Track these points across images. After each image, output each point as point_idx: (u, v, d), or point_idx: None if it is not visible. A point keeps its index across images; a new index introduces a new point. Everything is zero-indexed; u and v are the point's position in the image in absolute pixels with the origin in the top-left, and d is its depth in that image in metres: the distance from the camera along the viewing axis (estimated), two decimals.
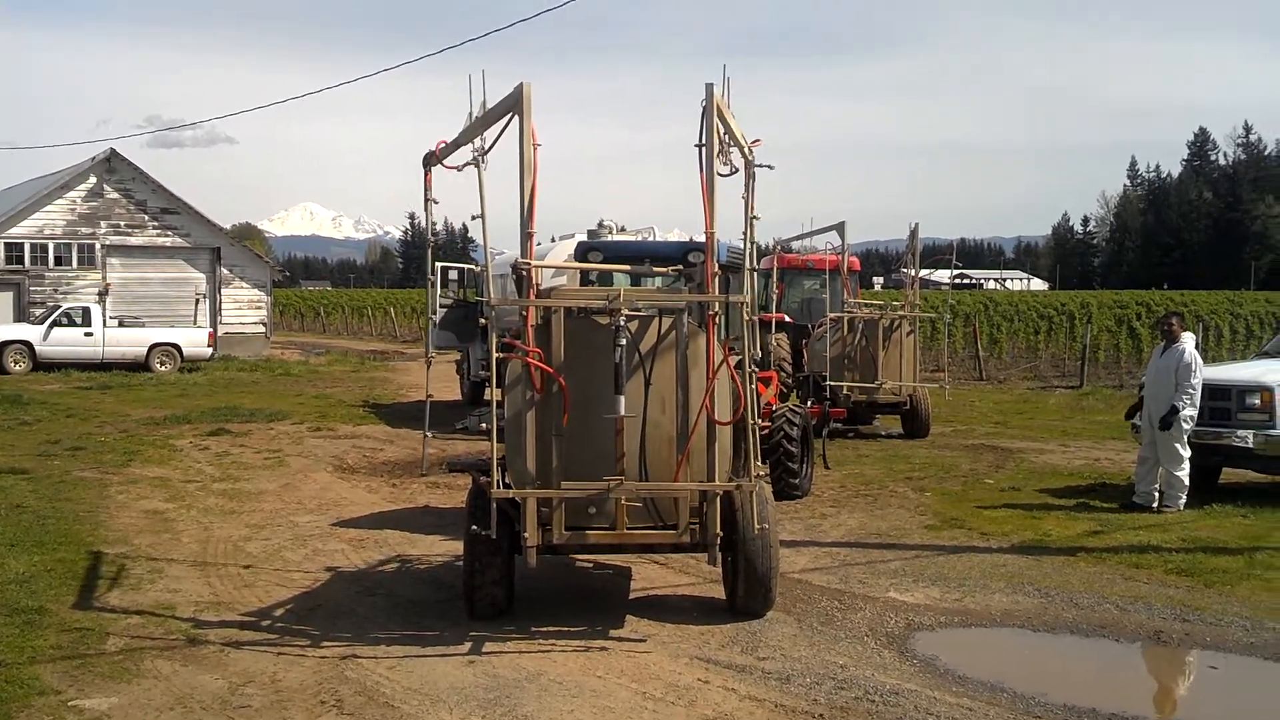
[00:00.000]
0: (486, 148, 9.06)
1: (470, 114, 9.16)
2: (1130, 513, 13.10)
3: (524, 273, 8.68)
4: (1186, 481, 13.12)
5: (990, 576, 10.42)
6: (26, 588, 9.83)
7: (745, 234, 10.51)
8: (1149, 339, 33.19)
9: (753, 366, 9.47)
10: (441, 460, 17.29)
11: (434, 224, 10.21)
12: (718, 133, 8.91)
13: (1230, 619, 9.06)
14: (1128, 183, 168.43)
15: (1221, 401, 13.59)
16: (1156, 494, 13.24)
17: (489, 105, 8.98)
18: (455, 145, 9.33)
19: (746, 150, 10.26)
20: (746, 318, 9.39)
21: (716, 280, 8.83)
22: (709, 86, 8.56)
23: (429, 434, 10.17)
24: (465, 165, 9.28)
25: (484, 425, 9.83)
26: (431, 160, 9.53)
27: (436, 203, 9.67)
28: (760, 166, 10.09)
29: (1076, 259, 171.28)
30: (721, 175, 9.44)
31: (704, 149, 8.64)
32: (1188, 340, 13.27)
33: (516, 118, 8.57)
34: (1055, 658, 8.54)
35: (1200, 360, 13.21)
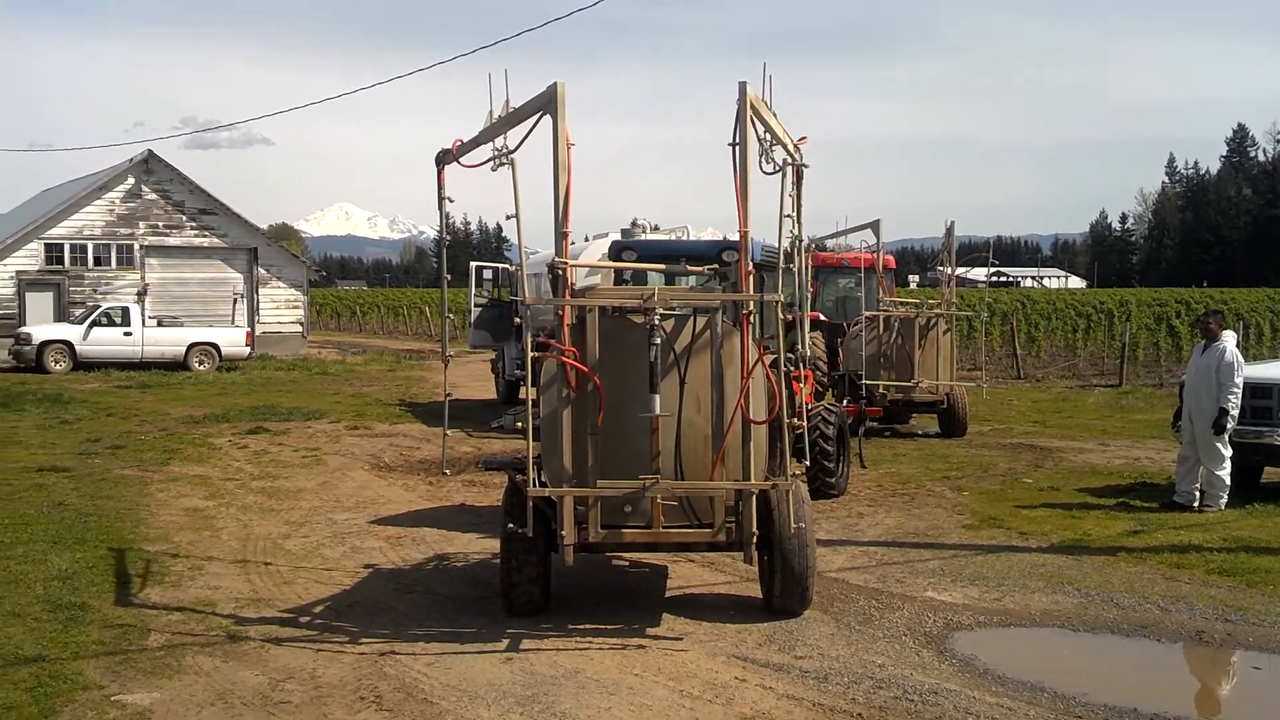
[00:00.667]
0: (511, 147, 9.07)
1: (490, 113, 9.18)
2: (1171, 512, 12.99)
3: (560, 272, 8.70)
4: (1228, 481, 13.00)
5: (1029, 576, 10.35)
6: (69, 584, 9.94)
7: (791, 231, 10.50)
8: (1188, 337, 32.90)
9: (796, 366, 9.45)
10: (477, 459, 17.37)
11: (449, 219, 10.16)
12: (756, 131, 8.89)
13: (1273, 619, 8.97)
14: (1166, 179, 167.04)
15: (1263, 400, 13.44)
16: (1198, 493, 13.13)
17: (517, 104, 9.00)
18: (475, 144, 9.33)
19: (791, 148, 10.23)
20: (782, 316, 9.34)
21: (751, 278, 8.81)
22: (742, 85, 8.54)
23: (448, 433, 10.26)
24: (484, 164, 9.30)
25: (519, 424, 9.85)
26: (446, 158, 9.54)
27: (451, 201, 9.66)
28: (777, 169, 10.08)
29: (1115, 256, 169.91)
30: (766, 173, 9.44)
31: (737, 148, 8.62)
32: (1228, 339, 13.14)
33: (549, 117, 8.58)
34: (1096, 658, 8.48)
35: (1241, 359, 13.08)
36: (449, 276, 10.40)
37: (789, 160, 10.25)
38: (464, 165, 9.47)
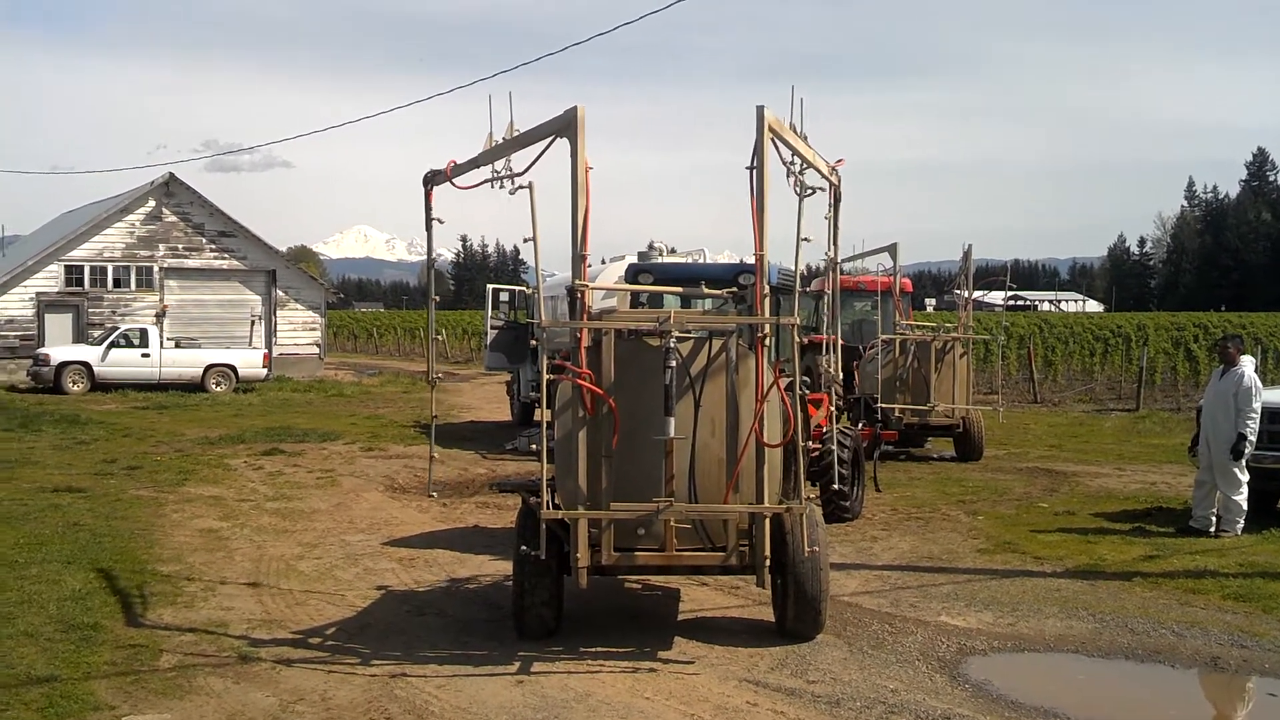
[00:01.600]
0: (517, 170, 9.12)
1: (490, 135, 9.23)
2: (1187, 537, 12.91)
3: (578, 295, 8.72)
4: (1245, 506, 12.92)
5: (1044, 601, 10.29)
6: (82, 604, 9.96)
7: (826, 254, 10.56)
8: (1206, 361, 32.75)
9: (814, 389, 9.47)
10: (491, 480, 17.38)
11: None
12: (781, 155, 8.94)
13: None
14: (1185, 203, 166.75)
15: None
16: (1214, 518, 13.05)
17: (522, 127, 9.05)
18: (472, 165, 9.36)
19: (826, 171, 10.27)
20: (798, 340, 9.35)
21: (766, 302, 8.81)
22: (760, 109, 8.57)
23: (435, 455, 10.29)
24: (479, 185, 9.36)
25: (534, 446, 9.85)
26: (437, 178, 9.58)
27: (441, 222, 9.68)
28: (809, 192, 10.12)
29: (1133, 280, 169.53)
30: (801, 197, 9.51)
31: (754, 172, 8.64)
32: (1246, 364, 13.08)
33: (564, 141, 8.63)
34: (1110, 683, 8.42)
35: (1260, 384, 13.01)
36: (437, 298, 10.48)
37: (830, 183, 10.29)
38: (458, 186, 9.51)
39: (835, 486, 13.83)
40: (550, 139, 8.83)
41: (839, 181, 11.06)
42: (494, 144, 9.23)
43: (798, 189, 9.65)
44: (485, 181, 9.33)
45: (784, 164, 9.43)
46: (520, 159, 9.12)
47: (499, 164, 9.22)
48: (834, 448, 14.09)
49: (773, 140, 8.98)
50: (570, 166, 8.63)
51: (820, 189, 10.21)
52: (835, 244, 11.31)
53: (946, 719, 7.35)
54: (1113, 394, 34.64)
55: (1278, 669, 8.49)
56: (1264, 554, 12.04)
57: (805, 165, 9.85)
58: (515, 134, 9.12)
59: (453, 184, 9.50)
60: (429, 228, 9.74)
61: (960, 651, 8.86)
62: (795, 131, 9.62)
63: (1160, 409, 29.62)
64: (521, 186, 8.83)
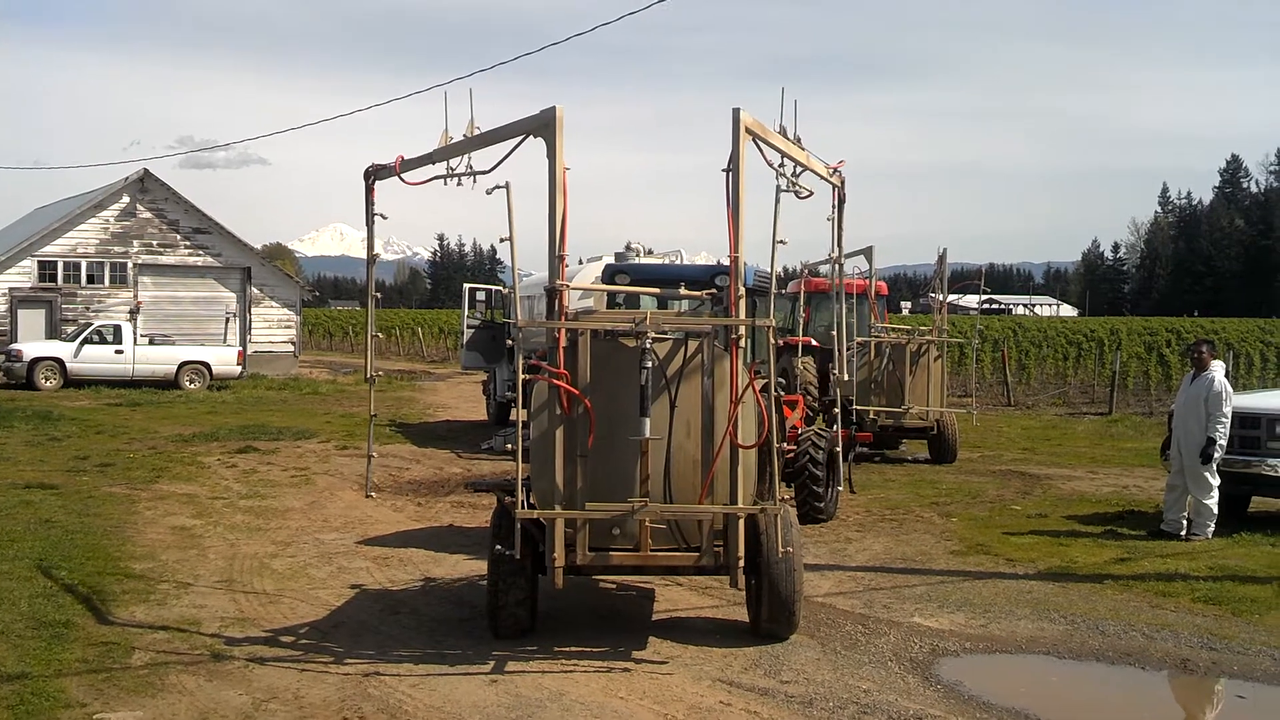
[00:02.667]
0: (482, 168, 9.14)
1: (445, 132, 9.24)
2: (1158, 540, 13.01)
3: (556, 295, 8.72)
4: (1215, 510, 13.03)
5: (1016, 603, 10.36)
6: (54, 601, 9.91)
7: (831, 254, 10.61)
8: (1179, 366, 32.97)
9: (832, 394, 9.53)
10: (466, 480, 17.37)
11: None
12: (765, 157, 8.99)
13: (1258, 648, 8.99)
14: (1159, 209, 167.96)
15: (1251, 430, 13.49)
16: (1185, 522, 13.16)
17: (485, 126, 9.06)
18: (428, 160, 9.36)
19: (825, 172, 10.32)
20: (774, 341, 9.39)
21: (742, 303, 8.84)
22: (735, 111, 8.60)
23: (373, 454, 10.28)
24: (429, 181, 9.39)
25: (509, 445, 9.85)
26: (381, 174, 9.57)
27: (385, 218, 9.73)
28: (807, 194, 10.18)
29: (1106, 285, 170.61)
30: (800, 198, 9.60)
31: (730, 174, 8.67)
32: (1217, 369, 13.19)
33: (542, 141, 8.65)
34: (1081, 685, 8.48)
35: (1230, 389, 13.12)
36: (378, 295, 10.50)
37: (832, 185, 10.34)
38: (407, 182, 9.51)
39: (809, 487, 13.90)
40: (522, 138, 8.85)
41: (842, 183, 11.10)
42: (449, 141, 9.24)
43: (795, 191, 9.71)
44: (437, 178, 9.35)
45: (771, 166, 9.47)
46: (488, 157, 9.12)
47: (456, 161, 9.23)
48: (809, 448, 14.15)
49: (755, 142, 9.02)
50: (548, 167, 8.63)
51: (814, 191, 10.26)
52: (840, 245, 11.37)
53: (918, 719, 7.39)
54: (1086, 398, 34.86)
55: (1246, 671, 8.57)
56: (1234, 557, 12.15)
57: (801, 168, 9.90)
58: (476, 132, 9.14)
59: (401, 179, 9.49)
60: (369, 223, 9.77)
61: (933, 652, 8.91)
62: (785, 134, 9.66)
63: (1133, 413, 29.83)
64: (499, 186, 8.82)
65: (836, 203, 11.07)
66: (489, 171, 9.23)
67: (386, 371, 47.20)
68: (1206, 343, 13.85)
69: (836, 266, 11.60)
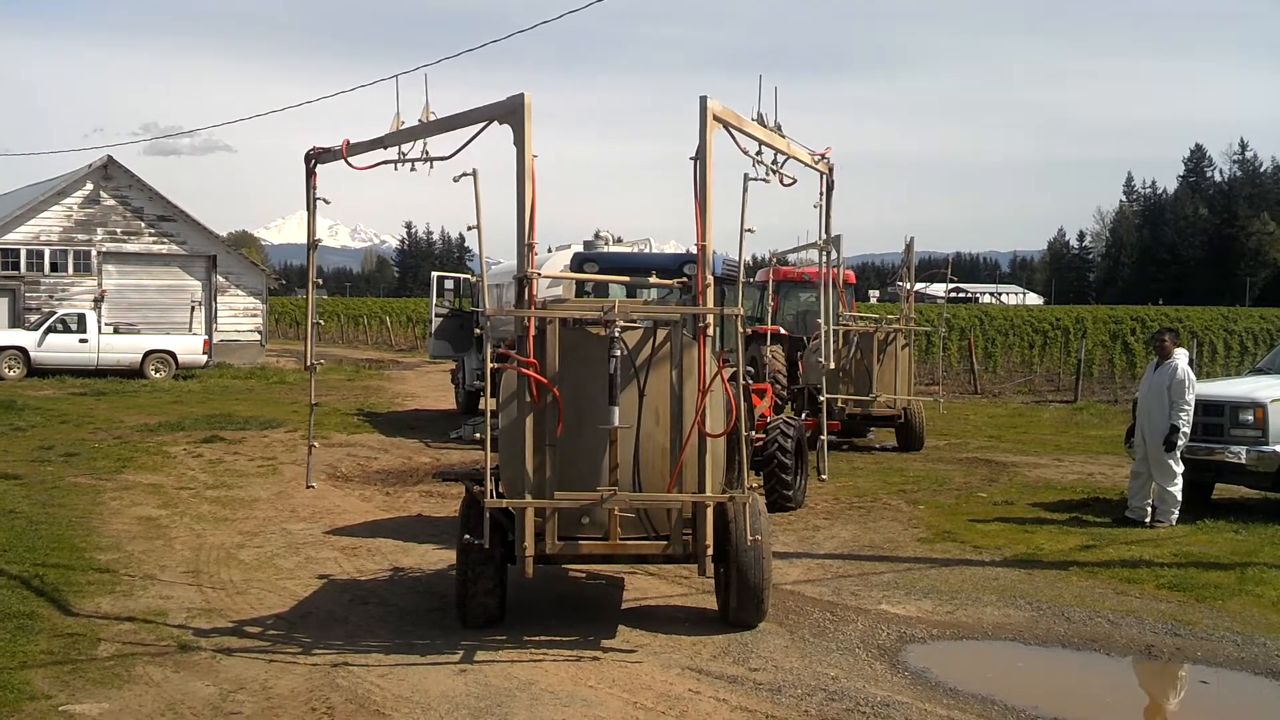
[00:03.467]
0: (442, 153, 9.12)
1: (396, 116, 9.21)
2: (1123, 527, 13.12)
3: (526, 283, 8.70)
4: (1179, 497, 13.15)
5: (982, 590, 10.43)
6: (18, 593, 9.83)
7: (820, 240, 10.62)
8: (1143, 354, 33.26)
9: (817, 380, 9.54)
10: (435, 469, 17.33)
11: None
12: (738, 144, 9.01)
13: (1221, 634, 9.08)
14: (1124, 198, 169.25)
15: (1215, 417, 13.63)
16: (1149, 509, 13.27)
17: (443, 112, 9.02)
18: (379, 144, 9.30)
19: (809, 159, 10.33)
20: (742, 330, 9.40)
21: (711, 292, 8.84)
22: (702, 99, 8.60)
23: (313, 445, 10.19)
24: (376, 166, 9.36)
25: (478, 434, 9.82)
26: (325, 157, 9.51)
27: (328, 203, 9.65)
28: (789, 181, 10.20)
29: (1072, 274, 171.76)
30: (785, 185, 9.64)
31: (698, 162, 8.67)
32: (1180, 357, 13.30)
33: (508, 128, 8.62)
34: (1047, 671, 8.55)
35: (1193, 376, 13.24)
36: (319, 282, 10.41)
37: (819, 172, 10.35)
38: (354, 167, 9.45)
39: (778, 475, 13.94)
40: (485, 124, 8.81)
41: (830, 169, 11.10)
42: (400, 126, 9.20)
43: (779, 178, 9.73)
44: (387, 163, 9.30)
45: (746, 154, 9.48)
46: (449, 142, 9.08)
47: (409, 147, 9.19)
48: (777, 436, 14.19)
49: (728, 130, 9.02)
50: (516, 155, 8.61)
51: (797, 178, 10.28)
52: (828, 231, 11.36)
53: (885, 706, 7.43)
54: (1051, 385, 35.11)
55: (1210, 657, 8.66)
56: (1198, 544, 12.27)
57: (784, 156, 9.91)
58: (432, 117, 9.09)
59: (348, 163, 9.42)
60: (310, 208, 9.65)
61: (900, 639, 8.96)
62: (764, 121, 9.66)
63: (1098, 400, 30.07)
64: (465, 174, 8.77)
65: (825, 189, 11.07)
66: (449, 158, 9.20)
67: (355, 361, 47.03)
68: (1170, 331, 13.97)
69: (825, 253, 11.60)
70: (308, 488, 10.99)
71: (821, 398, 12.95)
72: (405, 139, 9.24)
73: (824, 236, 11.27)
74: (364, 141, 9.43)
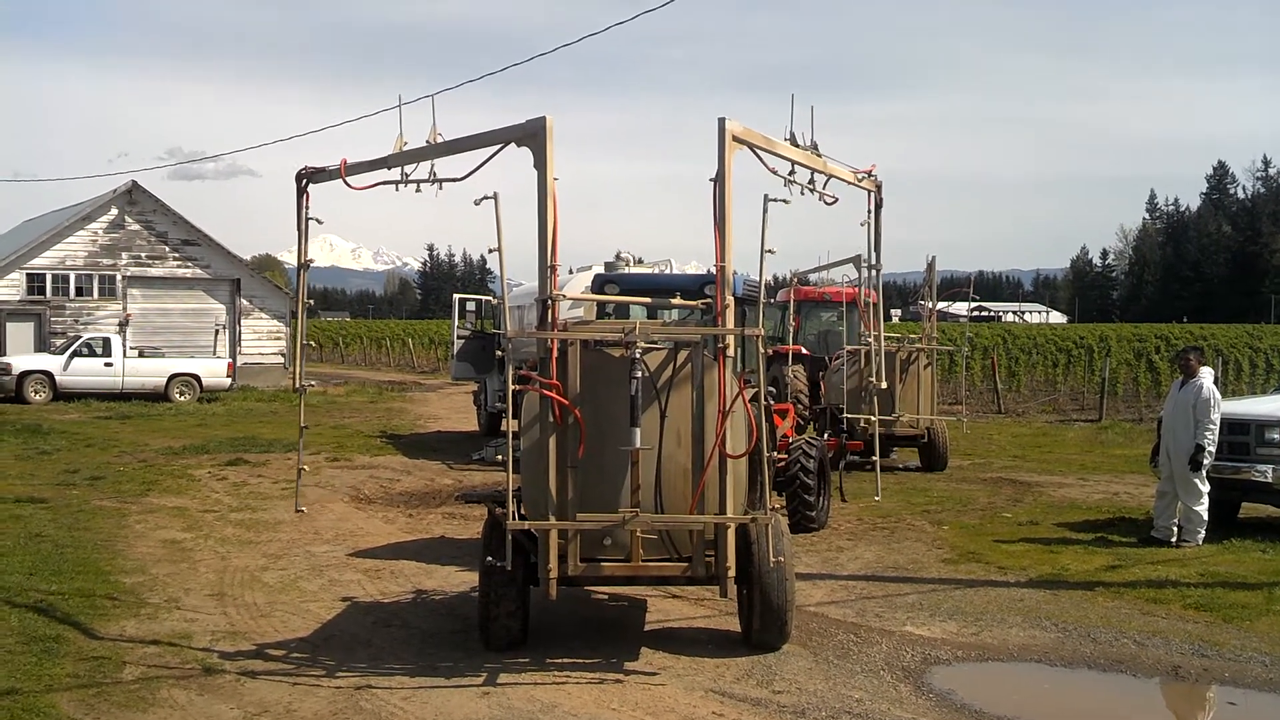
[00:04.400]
0: (455, 175, 9.13)
1: (399, 137, 9.22)
2: (1149, 547, 13.03)
3: (548, 305, 8.71)
4: (1205, 516, 13.05)
5: (1007, 611, 10.37)
6: (44, 616, 9.88)
7: (865, 260, 10.66)
8: (1168, 373, 33.05)
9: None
10: (457, 491, 17.34)
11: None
12: (766, 164, 9.04)
13: (1249, 654, 9.00)
14: (1147, 216, 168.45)
15: (1240, 436, 13.52)
16: (1175, 528, 13.18)
17: (449, 135, 9.04)
18: (383, 164, 9.28)
19: (851, 178, 10.34)
20: (763, 350, 9.39)
21: (731, 313, 8.85)
22: (721, 121, 8.63)
23: (304, 468, 10.18)
24: (374, 186, 9.34)
25: (500, 456, 9.83)
26: (317, 177, 9.44)
27: (320, 222, 9.58)
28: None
29: (1095, 292, 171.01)
30: (828, 204, 9.71)
31: (716, 183, 8.69)
32: (1206, 375, 13.22)
33: (529, 151, 8.65)
34: (1072, 693, 8.49)
35: (1218, 395, 13.15)
36: (311, 302, 10.37)
37: (866, 190, 10.36)
38: (353, 187, 9.43)
39: (801, 496, 13.92)
40: (501, 146, 8.84)
41: (877, 187, 11.04)
42: (403, 147, 9.20)
43: (821, 199, 9.76)
44: (387, 183, 9.29)
45: (777, 174, 9.47)
46: (463, 164, 9.09)
47: (413, 168, 9.19)
48: (800, 457, 14.16)
49: (754, 151, 9.03)
50: (538, 178, 8.64)
51: (839, 197, 10.29)
52: (876, 250, 11.29)
53: None
54: (1076, 405, 34.93)
55: (1238, 678, 8.58)
56: (1224, 564, 12.17)
57: (824, 175, 9.91)
58: (439, 139, 9.10)
59: (346, 183, 9.40)
60: (301, 228, 9.53)
61: (925, 661, 8.92)
62: (795, 141, 9.65)
63: (1123, 419, 29.90)
64: (486, 196, 8.81)
65: (872, 208, 11.03)
66: (462, 179, 9.20)
67: (377, 383, 47.14)
68: (1195, 349, 13.88)
69: (874, 273, 11.56)
70: (297, 511, 10.95)
71: (872, 418, 12.92)
72: (413, 159, 9.23)
73: (873, 255, 11.21)
74: (365, 161, 9.41)
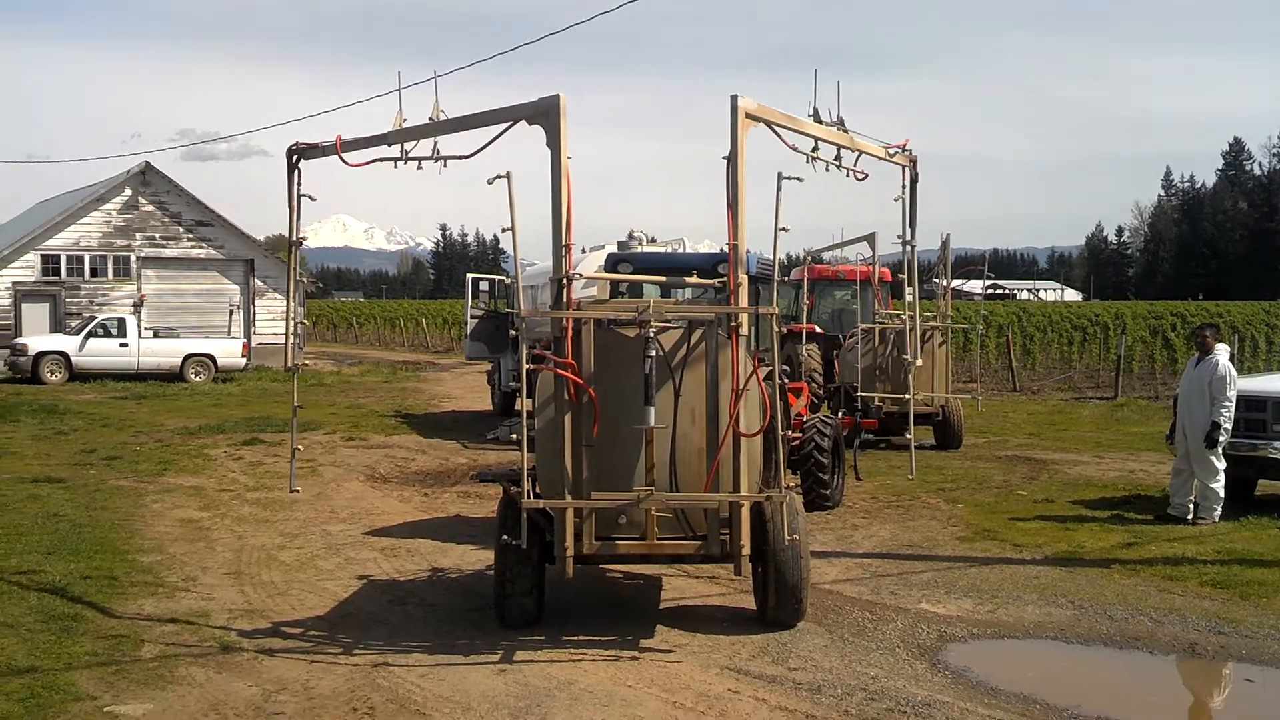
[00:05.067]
0: (461, 153, 9.10)
1: (399, 113, 9.19)
2: (1165, 524, 13.00)
3: (563, 284, 8.71)
4: (1221, 493, 13.01)
5: (1023, 588, 10.36)
6: (62, 595, 9.94)
7: (898, 237, 10.54)
8: (1183, 350, 32.92)
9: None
10: (472, 470, 17.38)
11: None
12: (785, 141, 9.01)
13: (1266, 631, 8.99)
14: (1162, 193, 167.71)
15: (1257, 413, 13.47)
16: (1191, 506, 13.14)
17: (454, 113, 9.01)
18: (381, 141, 9.23)
19: (882, 153, 10.26)
20: (777, 329, 9.38)
21: (745, 291, 8.82)
22: (733, 98, 8.59)
23: (297, 449, 10.13)
24: (370, 163, 9.30)
25: (514, 435, 9.83)
26: (309, 153, 9.35)
27: (314, 199, 9.48)
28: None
29: (1111, 269, 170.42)
30: (859, 180, 9.67)
31: (730, 162, 8.66)
32: (1221, 352, 13.16)
33: (541, 129, 8.63)
34: (1089, 670, 8.49)
35: (1234, 372, 13.09)
36: (304, 279, 10.26)
37: (901, 166, 10.30)
38: (349, 164, 9.38)
39: (815, 474, 13.92)
40: (510, 124, 8.81)
41: (911, 162, 10.91)
42: (402, 123, 9.16)
43: (852, 175, 9.72)
44: (385, 160, 9.25)
45: (798, 150, 9.43)
46: (470, 142, 9.06)
47: (413, 145, 9.14)
48: (814, 435, 14.14)
49: (770, 127, 9.00)
50: (551, 157, 8.62)
51: (864, 173, 10.21)
52: (913, 225, 11.15)
53: (926, 705, 7.40)
54: (1091, 382, 34.84)
55: (1254, 655, 8.57)
56: (1241, 541, 12.14)
57: (854, 152, 9.85)
58: (441, 117, 9.07)
59: (342, 160, 9.35)
60: (292, 205, 9.44)
61: (940, 638, 8.92)
62: (818, 118, 9.59)
63: (1138, 397, 29.79)
64: (500, 176, 8.78)
65: (907, 183, 10.91)
66: (468, 157, 9.18)
67: (391, 363, 47.20)
68: (1211, 326, 13.81)
69: (910, 249, 11.42)
70: (291, 492, 10.94)
71: (907, 395, 12.86)
72: (415, 136, 9.18)
73: (908, 231, 11.07)
74: (362, 138, 9.35)
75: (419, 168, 9.34)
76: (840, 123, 9.84)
